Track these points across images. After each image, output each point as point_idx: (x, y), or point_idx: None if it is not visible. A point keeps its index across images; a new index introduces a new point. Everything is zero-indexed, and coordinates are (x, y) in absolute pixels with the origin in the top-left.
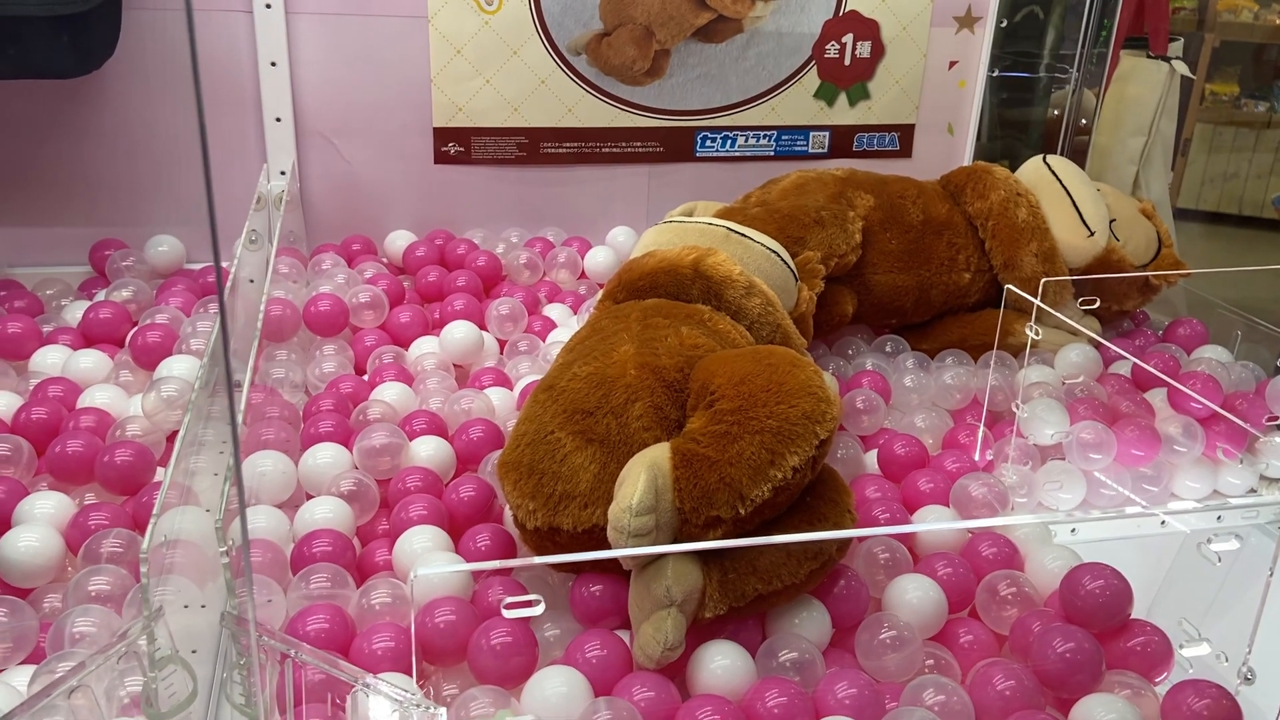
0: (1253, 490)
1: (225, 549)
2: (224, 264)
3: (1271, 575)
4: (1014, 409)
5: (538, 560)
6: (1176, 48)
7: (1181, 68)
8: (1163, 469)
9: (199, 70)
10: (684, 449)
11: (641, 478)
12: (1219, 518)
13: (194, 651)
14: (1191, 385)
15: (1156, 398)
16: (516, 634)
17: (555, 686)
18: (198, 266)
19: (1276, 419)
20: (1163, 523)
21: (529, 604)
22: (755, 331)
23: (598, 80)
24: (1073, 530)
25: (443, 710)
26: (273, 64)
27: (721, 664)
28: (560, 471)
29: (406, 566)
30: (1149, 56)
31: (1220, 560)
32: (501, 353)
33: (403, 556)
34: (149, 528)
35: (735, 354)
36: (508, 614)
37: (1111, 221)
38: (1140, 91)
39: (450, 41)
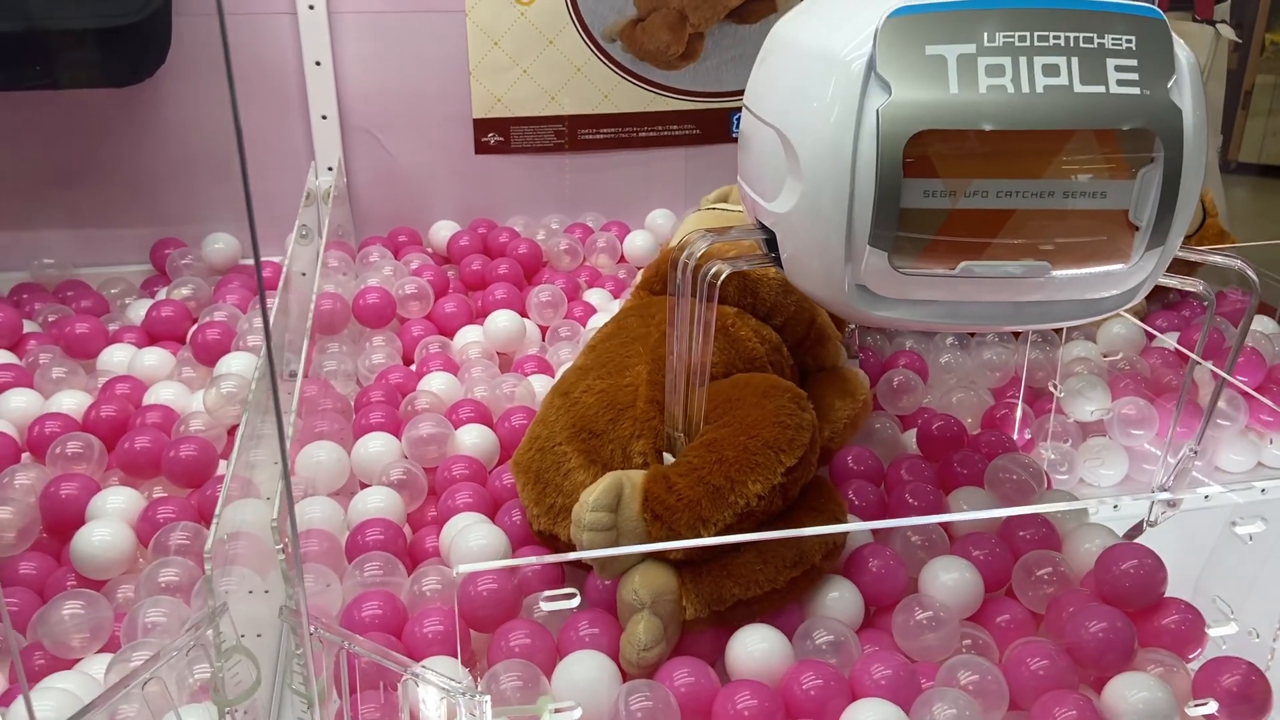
0: None
1: (281, 546)
2: (277, 259)
3: None
4: (1051, 388)
5: (567, 557)
6: (1223, 10)
7: (1227, 31)
8: (1206, 443)
9: (232, 71)
10: (659, 472)
11: (605, 479)
12: (1263, 490)
13: (259, 635)
14: (1237, 360)
15: (1202, 371)
16: (534, 635)
17: (585, 672)
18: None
19: None
20: (1206, 498)
21: (566, 597)
22: (789, 329)
23: (633, 66)
24: (1115, 506)
25: (487, 699)
26: (317, 63)
27: (760, 647)
28: (563, 485)
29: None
30: (1194, 20)
31: (1251, 539)
32: (543, 339)
33: (447, 542)
34: (213, 526)
35: (712, 389)
36: (545, 607)
37: None
38: None
39: (487, 34)
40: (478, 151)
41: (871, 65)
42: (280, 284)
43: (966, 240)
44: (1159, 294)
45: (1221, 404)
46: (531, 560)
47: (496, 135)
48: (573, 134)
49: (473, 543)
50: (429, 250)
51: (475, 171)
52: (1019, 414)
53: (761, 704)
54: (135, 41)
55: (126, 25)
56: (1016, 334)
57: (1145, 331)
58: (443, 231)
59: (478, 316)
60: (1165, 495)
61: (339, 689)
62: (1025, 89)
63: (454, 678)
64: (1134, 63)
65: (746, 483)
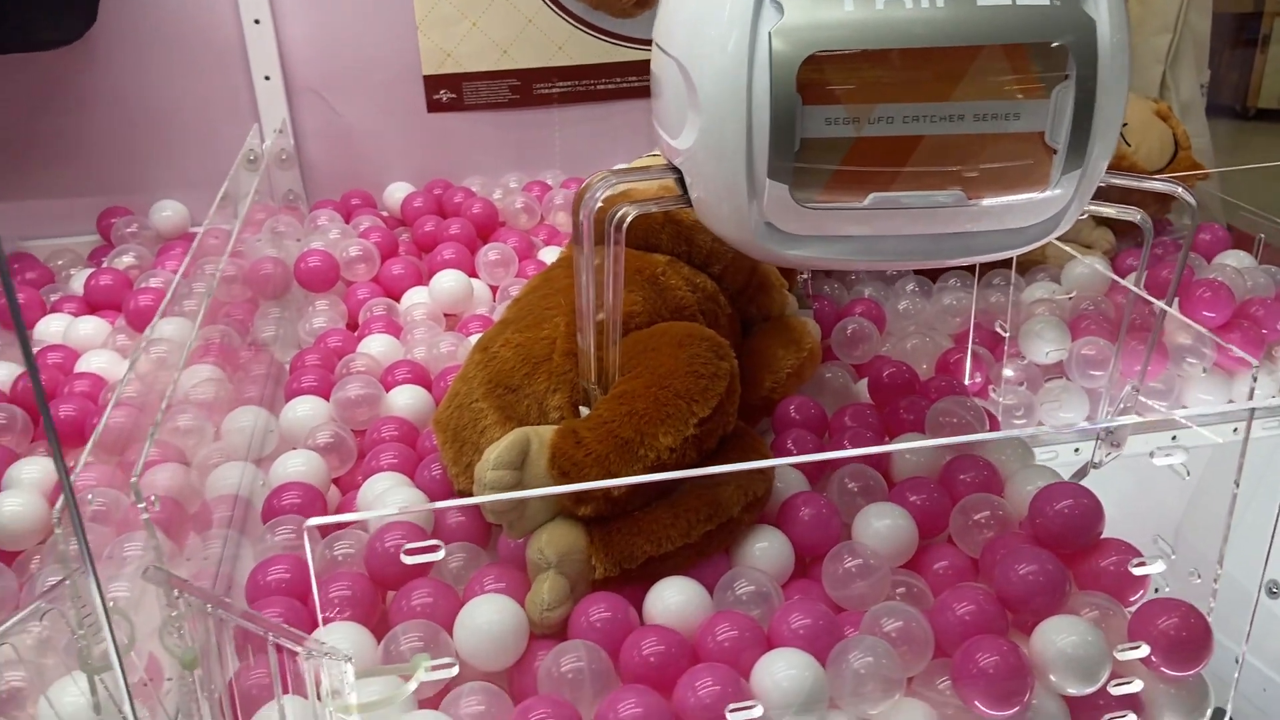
0: (1275, 398)
1: (144, 505)
2: (226, 226)
3: (1238, 487)
4: (999, 330)
5: (431, 506)
6: None
7: None
8: (1173, 382)
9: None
10: (567, 426)
11: (510, 436)
12: (1235, 430)
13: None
14: (1202, 294)
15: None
16: (437, 594)
17: (488, 616)
18: (200, 229)
19: None
20: (1173, 438)
21: (431, 549)
22: (729, 277)
23: (586, 15)
24: (1076, 450)
25: (349, 665)
26: (256, 21)
27: (676, 600)
28: (479, 443)
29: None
30: None
31: (1189, 474)
32: (494, 299)
33: (364, 504)
34: (64, 491)
35: (630, 340)
36: (407, 560)
37: (1122, 126)
38: None
39: None
40: (430, 110)
41: None
42: (192, 249)
43: (873, 170)
44: (1132, 230)
45: (1188, 341)
46: (386, 513)
47: (449, 92)
48: (527, 88)
49: (389, 505)
50: (383, 213)
51: (429, 130)
52: (969, 358)
53: (669, 649)
54: (61, 2)
55: None
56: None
57: (1110, 269)
58: (397, 193)
59: (426, 278)
60: (1076, 427)
61: (221, 653)
62: (925, 3)
63: (320, 641)
64: None
65: (657, 435)
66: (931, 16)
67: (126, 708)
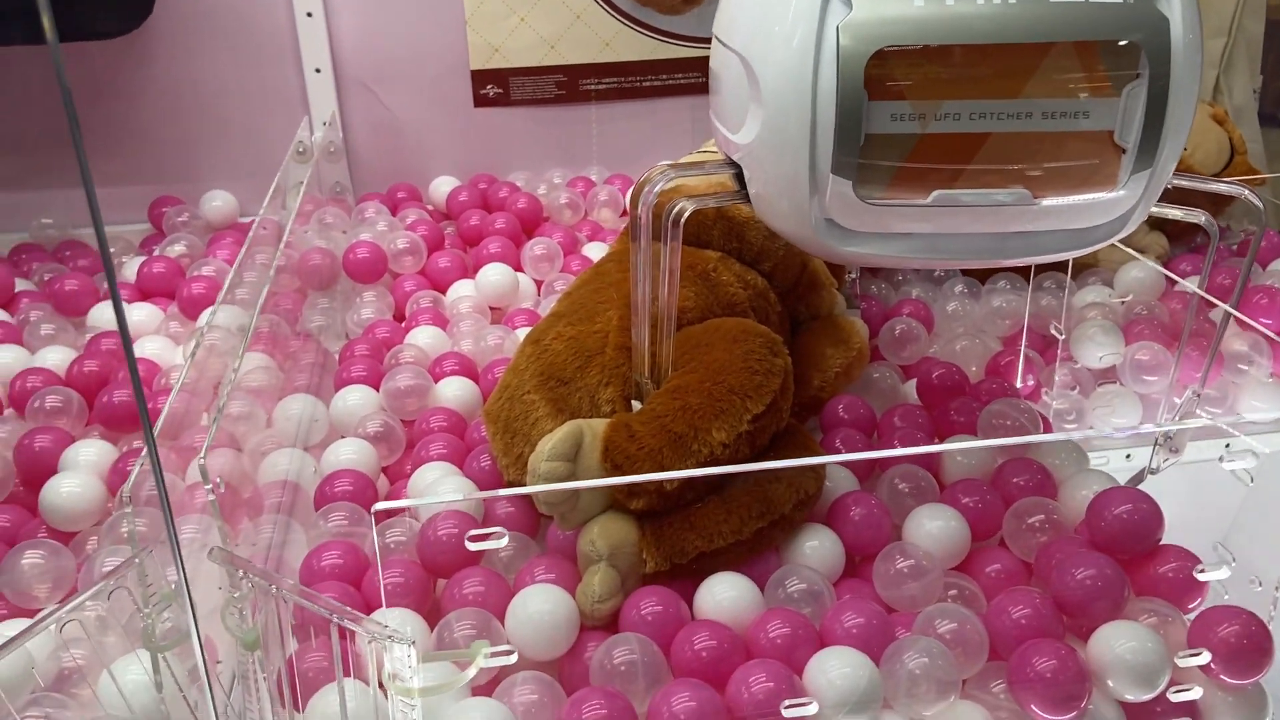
0: None
1: (210, 486)
2: (275, 218)
3: None
4: (1053, 332)
5: (489, 495)
6: None
7: None
8: (1228, 389)
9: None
10: (620, 420)
11: (564, 428)
12: (1226, 446)
13: (220, 589)
14: (1259, 300)
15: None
16: (488, 583)
17: (539, 605)
18: (250, 219)
19: None
20: (1227, 445)
21: (495, 537)
22: (779, 275)
23: (634, 12)
24: (1128, 456)
25: (412, 648)
26: (309, 14)
27: (728, 596)
28: (530, 435)
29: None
30: None
31: (1253, 480)
32: (539, 293)
33: (415, 493)
34: (133, 471)
35: (683, 335)
36: (471, 546)
37: None
38: None
39: None
40: (477, 104)
41: None
42: (248, 239)
43: (938, 167)
44: (1185, 236)
45: (1244, 348)
46: (452, 499)
47: (495, 87)
48: (573, 84)
49: (442, 493)
50: (429, 207)
51: (475, 125)
52: (1020, 360)
53: (721, 645)
54: None
55: None
56: (1026, 278)
57: (1164, 274)
58: (443, 187)
59: (472, 272)
60: (1129, 430)
61: (282, 634)
62: None
63: (384, 624)
64: None
65: (710, 430)
66: (1002, 13)
67: (204, 682)
